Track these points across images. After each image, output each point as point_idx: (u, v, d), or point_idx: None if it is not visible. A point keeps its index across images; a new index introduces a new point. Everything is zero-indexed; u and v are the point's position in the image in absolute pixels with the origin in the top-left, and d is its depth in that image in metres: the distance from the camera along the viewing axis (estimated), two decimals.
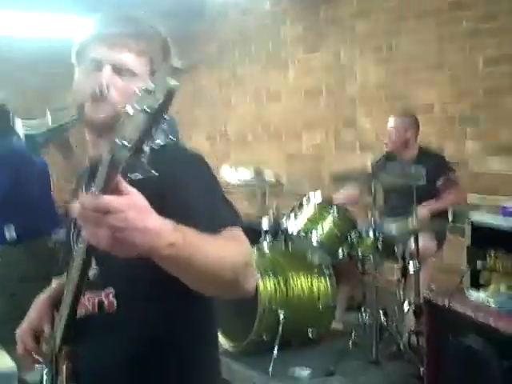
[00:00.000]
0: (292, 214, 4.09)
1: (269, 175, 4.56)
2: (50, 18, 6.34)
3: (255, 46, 6.27)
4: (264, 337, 3.70)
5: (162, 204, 1.10)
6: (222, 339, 3.88)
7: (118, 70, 1.34)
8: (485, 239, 3.17)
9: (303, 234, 3.98)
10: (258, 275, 1.36)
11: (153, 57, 1.37)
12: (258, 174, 4.43)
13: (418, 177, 3.64)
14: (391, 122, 4.28)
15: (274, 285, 3.80)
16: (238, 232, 1.25)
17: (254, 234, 4.56)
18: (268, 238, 4.16)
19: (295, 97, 5.84)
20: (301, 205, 4.11)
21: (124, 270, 1.21)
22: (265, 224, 4.21)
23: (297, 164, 5.84)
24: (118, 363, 1.31)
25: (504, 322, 2.57)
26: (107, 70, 1.32)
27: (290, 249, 4.16)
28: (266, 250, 4.07)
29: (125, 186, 0.97)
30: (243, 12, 6.39)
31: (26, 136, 3.04)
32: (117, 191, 0.97)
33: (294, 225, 4.03)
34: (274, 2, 6.02)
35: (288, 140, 5.94)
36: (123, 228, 0.95)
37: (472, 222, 3.29)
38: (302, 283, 3.92)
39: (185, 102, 7.14)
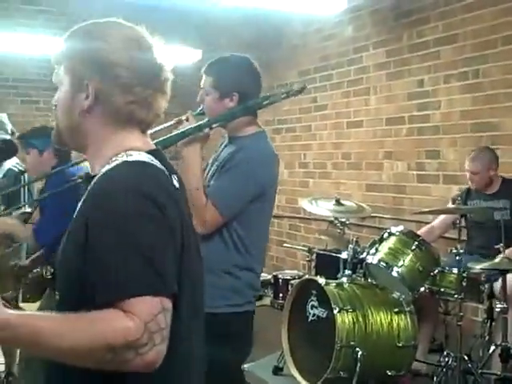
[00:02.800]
0: (372, 247, 3.98)
1: (350, 206, 4.47)
2: None
3: (336, 72, 6.22)
4: (341, 374, 3.59)
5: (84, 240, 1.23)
6: (297, 375, 3.80)
7: None
8: None
9: (383, 266, 3.86)
10: (158, 349, 1.17)
11: None
12: (338, 205, 4.35)
13: (504, 210, 3.49)
14: (471, 165, 4.11)
15: (353, 319, 3.67)
16: (133, 307, 1.17)
17: (331, 265, 4.48)
18: (347, 271, 4.06)
19: (376, 125, 5.73)
20: (382, 238, 4.00)
21: None
22: (344, 256, 4.12)
23: (377, 195, 5.70)
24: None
25: None
26: None
27: (370, 283, 4.04)
28: (345, 284, 3.96)
29: None
30: (325, 38, 6.36)
31: None
32: None
33: (374, 258, 3.93)
34: (357, 27, 5.95)
35: (368, 169, 5.82)
36: None
37: None
38: (381, 319, 3.78)
39: (265, 128, 7.16)
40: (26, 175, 3.95)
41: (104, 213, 1.23)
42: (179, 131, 2.43)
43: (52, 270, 3.11)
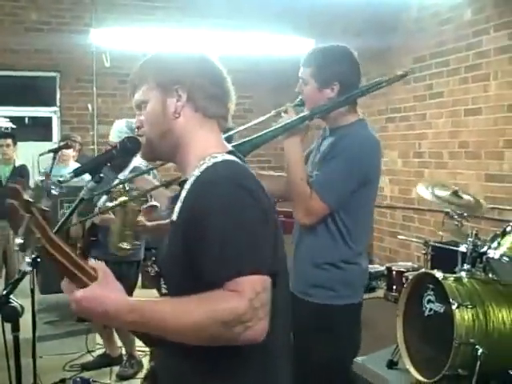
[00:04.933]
0: (494, 241, 3.80)
1: (467, 197, 4.28)
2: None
3: (454, 57, 5.97)
4: (460, 372, 3.45)
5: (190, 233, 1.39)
6: (412, 370, 3.70)
7: None
8: None
9: (506, 261, 3.67)
10: (262, 323, 1.32)
11: None
12: (456, 195, 4.18)
13: None
14: None
15: (472, 316, 3.52)
16: (238, 285, 1.31)
17: (448, 258, 4.32)
18: (466, 265, 3.90)
19: (497, 112, 5.45)
20: (505, 231, 3.80)
21: None
22: (463, 249, 3.95)
23: (497, 186, 5.44)
24: None
25: None
26: None
27: (491, 278, 3.86)
28: (464, 278, 3.80)
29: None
30: (441, 22, 6.12)
31: None
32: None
33: (496, 252, 3.74)
34: (477, 10, 5.68)
35: (488, 159, 5.56)
36: (87, 310, 1.33)
37: None
38: (503, 316, 3.60)
39: (378, 117, 7.03)
40: (154, 171, 4.10)
41: (209, 201, 1.37)
42: (282, 124, 2.42)
43: (156, 269, 3.26)
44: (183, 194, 1.46)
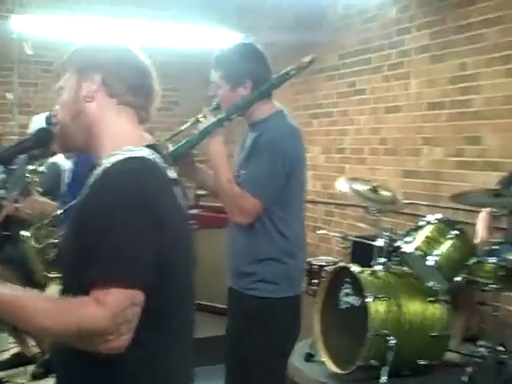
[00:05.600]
0: (408, 235, 3.91)
1: (385, 192, 4.39)
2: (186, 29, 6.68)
3: (377, 55, 6.10)
4: (373, 363, 3.55)
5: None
6: (328, 362, 3.77)
7: None
8: None
9: (419, 255, 3.79)
10: (123, 339, 1.30)
11: None
12: (374, 191, 4.27)
13: None
14: None
15: (386, 308, 3.63)
16: (105, 296, 1.27)
17: (368, 254, 4.42)
18: (382, 259, 4.00)
19: (416, 110, 5.60)
20: (418, 226, 3.92)
21: None
22: (379, 243, 4.05)
23: (414, 181, 5.59)
24: None
25: None
26: None
27: (405, 271, 3.97)
28: (380, 272, 3.91)
29: None
30: (367, 20, 6.22)
31: None
32: None
33: (409, 246, 3.85)
34: (402, 8, 5.80)
35: (406, 155, 5.71)
36: None
37: None
38: (415, 308, 3.73)
39: (302, 113, 7.10)
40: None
41: (100, 199, 1.34)
42: (201, 130, 2.45)
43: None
44: (90, 180, 1.43)
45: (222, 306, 4.07)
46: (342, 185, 4.40)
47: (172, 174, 1.50)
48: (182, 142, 2.44)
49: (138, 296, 1.30)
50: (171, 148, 2.41)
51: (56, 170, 3.97)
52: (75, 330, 1.27)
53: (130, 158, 1.39)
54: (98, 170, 1.40)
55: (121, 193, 1.33)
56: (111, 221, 1.30)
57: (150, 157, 1.42)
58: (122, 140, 1.45)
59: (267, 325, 2.47)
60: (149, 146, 1.46)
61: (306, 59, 2.54)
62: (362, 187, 4.30)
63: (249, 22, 7.18)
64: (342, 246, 4.98)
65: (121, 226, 1.30)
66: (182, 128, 2.55)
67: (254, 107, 2.49)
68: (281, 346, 2.54)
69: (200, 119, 2.49)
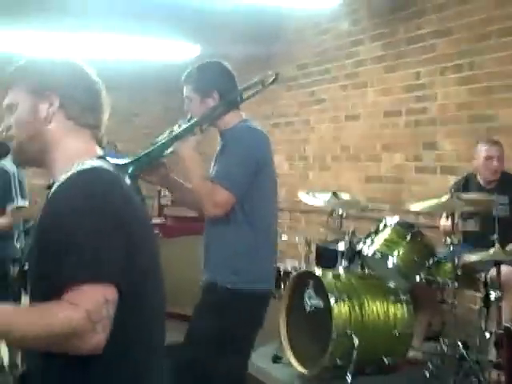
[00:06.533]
0: (369, 238, 4.04)
1: (347, 198, 4.53)
2: (150, 43, 6.72)
3: (334, 66, 6.26)
4: (338, 362, 3.66)
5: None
6: (295, 363, 3.87)
7: None
8: None
9: (379, 257, 3.92)
10: (99, 337, 1.34)
11: None
12: (336, 197, 4.40)
13: (501, 205, 3.55)
14: (492, 150, 4.09)
15: (349, 309, 3.75)
16: (78, 296, 1.31)
17: (330, 256, 4.54)
18: (344, 261, 4.12)
19: (374, 117, 5.77)
20: (378, 229, 4.06)
21: None
22: (341, 247, 4.18)
23: (376, 186, 5.76)
24: None
25: None
26: None
27: (366, 273, 4.10)
28: (342, 274, 4.03)
29: None
30: (321, 32, 6.40)
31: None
32: None
33: (370, 249, 3.99)
34: (353, 21, 5.99)
35: (367, 162, 5.87)
36: None
37: None
38: (377, 308, 3.85)
39: (264, 123, 7.22)
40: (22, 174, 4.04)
41: (62, 207, 1.39)
42: (172, 135, 2.62)
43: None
44: (49, 197, 1.50)
45: (184, 313, 4.13)
46: (303, 196, 4.54)
47: (127, 181, 1.57)
48: (154, 147, 2.59)
49: (111, 292, 1.33)
50: (141, 155, 2.55)
51: (4, 174, 4.01)
52: (53, 334, 1.30)
53: (89, 168, 1.46)
54: (57, 184, 1.48)
55: (84, 199, 1.38)
56: (78, 224, 1.35)
57: (106, 167, 1.49)
58: (76, 157, 1.51)
59: (233, 314, 2.58)
60: (100, 158, 1.53)
61: (270, 75, 2.73)
62: (323, 195, 4.44)
63: (207, 35, 7.26)
64: (306, 251, 5.09)
65: (88, 228, 1.35)
66: (159, 139, 2.67)
67: (223, 118, 2.70)
68: (239, 337, 2.64)
69: (174, 130, 2.66)
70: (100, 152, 1.59)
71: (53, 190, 1.48)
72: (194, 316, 2.72)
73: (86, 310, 1.29)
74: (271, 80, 2.76)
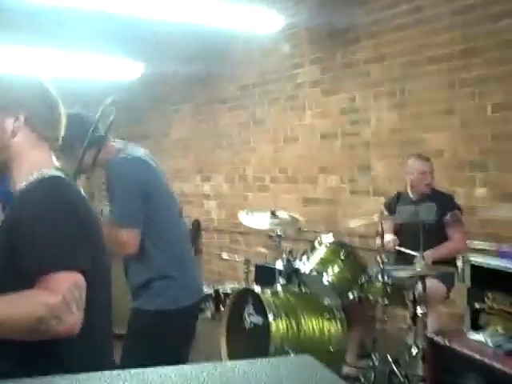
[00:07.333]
0: (305, 256, 4.17)
1: (284, 218, 4.64)
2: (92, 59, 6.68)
3: (274, 88, 6.41)
4: None
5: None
6: None
7: None
8: (484, 281, 3.23)
9: (315, 274, 4.05)
10: (75, 316, 1.49)
11: None
12: (274, 217, 4.51)
13: (430, 213, 3.71)
14: (424, 165, 4.31)
15: (287, 325, 3.85)
16: (52, 282, 1.46)
17: (269, 276, 4.65)
18: (282, 279, 4.24)
19: (312, 140, 5.94)
20: (313, 247, 4.20)
21: None
22: (279, 266, 4.30)
23: (312, 207, 5.91)
24: None
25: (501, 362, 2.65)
26: None
27: (303, 290, 4.22)
28: (280, 291, 4.14)
29: None
30: (264, 54, 6.55)
31: None
32: None
33: (306, 267, 4.11)
34: (294, 45, 6.17)
35: (304, 183, 6.03)
36: None
37: (472, 264, 3.35)
38: (313, 325, 3.97)
39: (205, 142, 7.32)
40: None
41: (28, 209, 1.54)
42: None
43: None
44: (14, 200, 1.63)
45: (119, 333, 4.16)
46: (243, 217, 4.64)
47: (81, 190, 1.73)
48: None
49: (79, 279, 1.49)
50: None
51: None
52: (33, 318, 1.42)
53: (49, 176, 1.61)
54: (20, 190, 1.62)
55: (48, 200, 1.54)
56: (45, 224, 1.50)
57: (63, 176, 1.66)
58: (40, 167, 1.65)
59: (161, 335, 2.63)
60: (58, 169, 1.68)
61: (109, 108, 2.65)
62: (262, 215, 4.55)
63: (152, 53, 7.29)
64: (245, 271, 5.18)
65: (53, 225, 1.51)
66: None
67: (98, 157, 2.64)
68: (173, 354, 2.62)
69: None
70: (56, 162, 1.73)
71: (17, 194, 1.62)
72: (125, 344, 2.72)
73: (61, 293, 1.44)
74: (111, 111, 2.63)
